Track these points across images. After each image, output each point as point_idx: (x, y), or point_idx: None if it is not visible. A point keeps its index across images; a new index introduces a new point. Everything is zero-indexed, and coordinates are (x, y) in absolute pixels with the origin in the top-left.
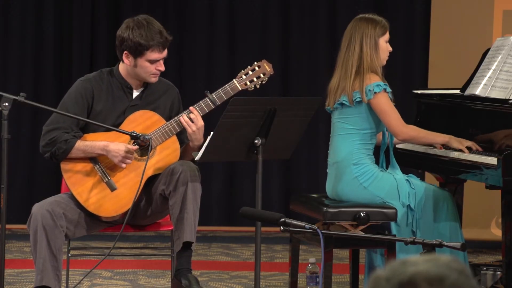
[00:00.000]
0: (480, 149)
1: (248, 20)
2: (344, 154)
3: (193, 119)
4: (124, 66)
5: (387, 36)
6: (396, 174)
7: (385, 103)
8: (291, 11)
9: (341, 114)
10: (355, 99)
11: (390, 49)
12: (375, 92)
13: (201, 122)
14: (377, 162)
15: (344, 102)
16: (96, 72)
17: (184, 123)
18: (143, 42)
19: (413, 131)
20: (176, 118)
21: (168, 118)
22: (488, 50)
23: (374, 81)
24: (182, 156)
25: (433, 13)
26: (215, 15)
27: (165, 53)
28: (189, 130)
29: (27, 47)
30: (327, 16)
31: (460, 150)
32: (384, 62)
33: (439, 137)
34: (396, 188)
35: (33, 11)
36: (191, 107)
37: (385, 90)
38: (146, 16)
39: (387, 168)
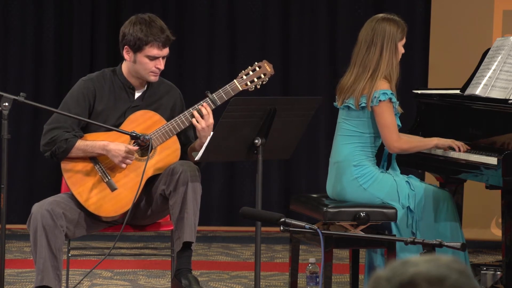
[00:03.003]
0: (468, 148)
1: (248, 20)
2: (345, 155)
3: (204, 116)
4: (126, 65)
5: (404, 40)
6: (396, 176)
7: (386, 115)
8: (291, 11)
9: (346, 116)
10: (361, 104)
11: (403, 51)
12: (379, 100)
13: (211, 120)
14: (378, 163)
15: (350, 105)
16: (99, 72)
17: (194, 120)
18: (142, 36)
19: (405, 144)
20: (176, 118)
21: (169, 119)
22: (488, 50)
23: (382, 88)
24: (189, 154)
25: (433, 13)
26: (215, 15)
27: (165, 51)
28: (198, 127)
29: (27, 47)
30: (327, 16)
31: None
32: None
33: (429, 142)
34: (396, 190)
35: (33, 11)
36: (204, 103)
37: (390, 100)
38: (151, 14)
39: (387, 169)
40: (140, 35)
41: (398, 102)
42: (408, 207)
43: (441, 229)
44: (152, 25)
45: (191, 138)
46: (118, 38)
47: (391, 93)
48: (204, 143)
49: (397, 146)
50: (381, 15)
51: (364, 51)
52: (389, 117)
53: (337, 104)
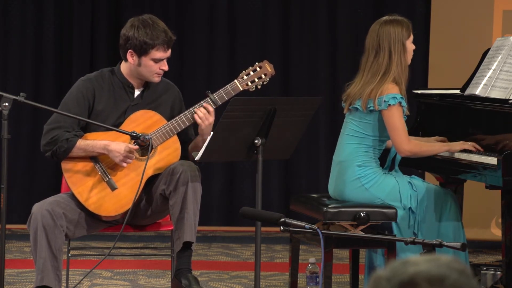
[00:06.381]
0: (481, 149)
1: (248, 20)
2: (349, 154)
3: (205, 114)
4: (126, 66)
5: (412, 36)
6: (398, 177)
7: (395, 118)
8: (291, 11)
9: (354, 116)
10: (369, 107)
11: (414, 47)
12: (389, 104)
13: (213, 118)
14: (382, 165)
15: (358, 106)
16: (97, 72)
17: (199, 119)
18: (148, 40)
19: (415, 147)
20: (177, 118)
21: (169, 117)
22: (488, 50)
23: (391, 93)
24: (192, 150)
25: (433, 13)
26: (215, 15)
27: (169, 52)
28: (202, 125)
29: (27, 47)
30: (327, 16)
31: (465, 151)
32: (409, 62)
33: (440, 147)
34: (398, 191)
35: (33, 11)
36: (204, 104)
37: (400, 104)
38: (150, 15)
39: (390, 170)
40: (145, 39)
41: (406, 105)
42: (410, 208)
43: (443, 229)
44: (155, 28)
45: (191, 135)
46: (119, 40)
47: (401, 97)
48: (205, 140)
49: (407, 149)
50: (383, 18)
51: (372, 57)
52: (398, 120)
53: (344, 110)
